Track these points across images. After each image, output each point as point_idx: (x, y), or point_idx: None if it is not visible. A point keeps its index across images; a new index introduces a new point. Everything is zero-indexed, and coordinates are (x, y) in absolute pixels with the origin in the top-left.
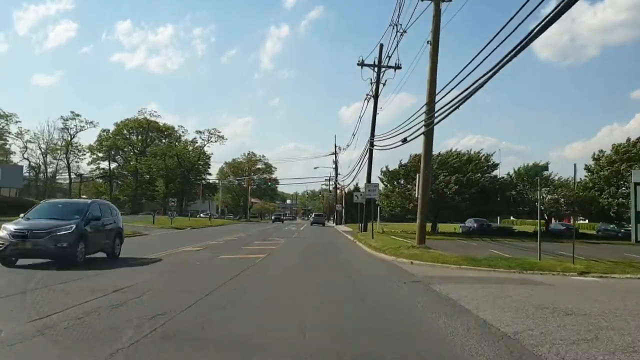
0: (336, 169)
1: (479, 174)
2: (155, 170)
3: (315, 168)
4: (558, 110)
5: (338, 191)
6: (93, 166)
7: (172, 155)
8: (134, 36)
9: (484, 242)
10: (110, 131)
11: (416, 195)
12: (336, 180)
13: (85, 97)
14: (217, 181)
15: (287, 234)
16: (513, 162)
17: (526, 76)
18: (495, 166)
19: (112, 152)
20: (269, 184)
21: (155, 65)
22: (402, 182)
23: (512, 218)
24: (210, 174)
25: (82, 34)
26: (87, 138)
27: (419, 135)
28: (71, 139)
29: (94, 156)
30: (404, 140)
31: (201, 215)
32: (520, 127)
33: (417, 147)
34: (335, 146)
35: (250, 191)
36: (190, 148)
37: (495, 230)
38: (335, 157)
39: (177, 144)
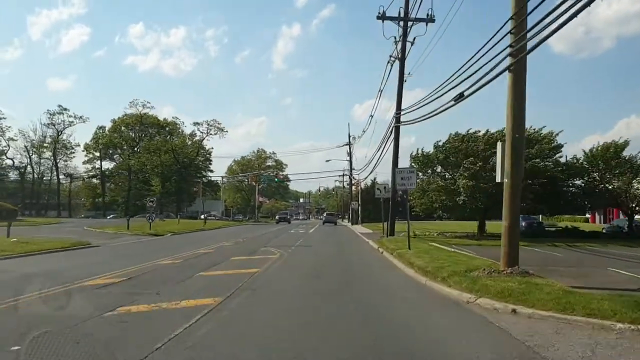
0: (350, 161)
1: (548, 161)
2: (150, 167)
3: (327, 161)
4: (574, 103)
5: (353, 187)
6: (89, 166)
7: (168, 150)
8: (147, 39)
9: (571, 252)
10: (107, 128)
11: (499, 180)
12: (351, 175)
13: (99, 100)
14: (219, 179)
15: (290, 240)
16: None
17: (541, 69)
18: (559, 148)
19: (110, 151)
20: (277, 179)
21: (169, 67)
22: (438, 170)
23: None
24: (211, 171)
25: (95, 37)
26: (83, 136)
27: (498, 75)
28: (58, 135)
29: (90, 155)
30: (461, 96)
31: (203, 217)
32: (536, 120)
33: (441, 131)
34: (349, 136)
35: (260, 189)
36: (189, 142)
37: (557, 231)
38: (350, 148)
39: (173, 138)
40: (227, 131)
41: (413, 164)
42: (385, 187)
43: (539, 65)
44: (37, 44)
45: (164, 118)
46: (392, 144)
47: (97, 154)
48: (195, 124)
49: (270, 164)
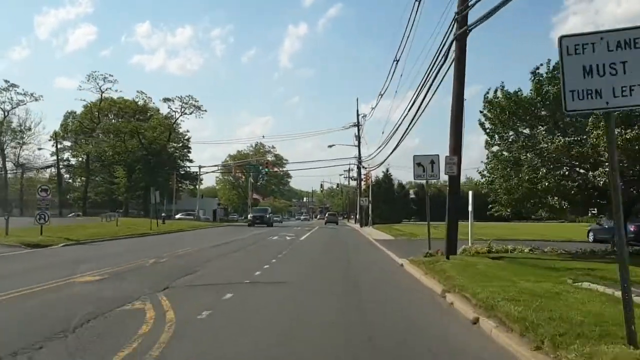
0: (359, 146)
1: None
2: (112, 154)
3: (329, 146)
4: None
5: (362, 180)
6: (72, 160)
7: (130, 131)
8: (153, 38)
9: None
10: (78, 113)
11: None
12: (360, 163)
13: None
14: (208, 170)
15: (248, 263)
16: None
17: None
18: None
19: (83, 140)
20: (266, 169)
21: (175, 66)
22: (543, 128)
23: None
24: (190, 160)
25: (101, 36)
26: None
27: None
28: (5, 116)
29: (61, 145)
30: None
31: (178, 216)
32: None
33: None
34: (358, 115)
35: (258, 186)
36: (158, 124)
37: None
38: (359, 130)
39: (136, 119)
40: (205, 110)
41: (485, 117)
42: (425, 171)
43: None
44: (45, 43)
45: (143, 102)
46: (455, 80)
47: (68, 143)
48: (166, 100)
49: (270, 158)
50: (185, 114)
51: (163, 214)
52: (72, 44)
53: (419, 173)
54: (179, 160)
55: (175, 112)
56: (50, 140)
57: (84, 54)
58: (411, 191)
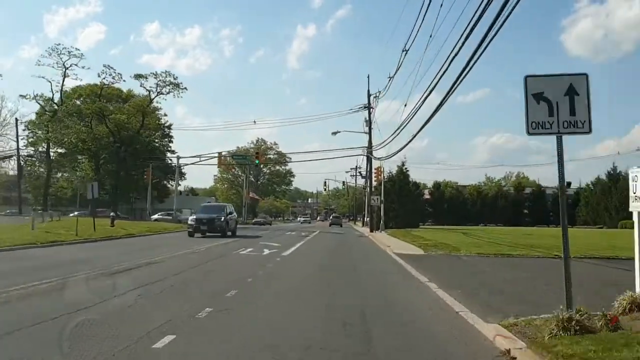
0: (370, 132)
1: None
2: (75, 143)
3: (334, 133)
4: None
5: (373, 174)
6: (32, 149)
7: (94, 114)
8: (162, 37)
9: None
10: (56, 101)
11: None
12: (370, 152)
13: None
14: (173, 159)
15: None
16: (540, 161)
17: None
18: None
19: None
20: (257, 162)
21: (184, 66)
22: None
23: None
24: (172, 151)
25: (110, 36)
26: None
27: None
28: None
29: (38, 136)
30: None
31: (155, 217)
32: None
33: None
34: (369, 95)
35: (259, 186)
36: (131, 107)
37: None
38: (369, 112)
39: (101, 99)
40: (185, 88)
41: None
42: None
43: (555, 67)
44: (54, 41)
45: (128, 89)
46: None
47: (41, 133)
48: (138, 76)
49: (271, 156)
50: (162, 93)
51: (112, 214)
52: (81, 42)
53: (540, 119)
54: (158, 152)
55: (150, 91)
56: (25, 130)
57: (93, 53)
58: (425, 191)
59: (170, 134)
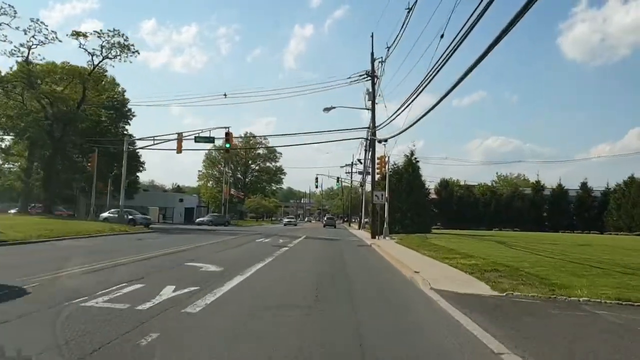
0: (373, 106)
1: None
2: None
3: (326, 110)
4: (584, 111)
5: (377, 164)
6: None
7: (21, 82)
8: (159, 35)
9: None
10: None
11: None
12: (374, 132)
13: None
14: (137, 143)
15: None
16: (537, 165)
17: (552, 76)
18: None
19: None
20: (227, 145)
21: (180, 64)
22: None
23: None
24: (129, 135)
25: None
26: None
27: None
28: None
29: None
30: None
31: (105, 215)
32: (545, 128)
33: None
34: (373, 61)
35: (247, 184)
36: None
37: None
38: (373, 84)
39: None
40: (137, 51)
41: None
42: None
43: (550, 71)
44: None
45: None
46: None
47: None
48: (76, 34)
49: (261, 152)
50: (109, 57)
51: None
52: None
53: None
54: (110, 134)
55: (93, 54)
56: None
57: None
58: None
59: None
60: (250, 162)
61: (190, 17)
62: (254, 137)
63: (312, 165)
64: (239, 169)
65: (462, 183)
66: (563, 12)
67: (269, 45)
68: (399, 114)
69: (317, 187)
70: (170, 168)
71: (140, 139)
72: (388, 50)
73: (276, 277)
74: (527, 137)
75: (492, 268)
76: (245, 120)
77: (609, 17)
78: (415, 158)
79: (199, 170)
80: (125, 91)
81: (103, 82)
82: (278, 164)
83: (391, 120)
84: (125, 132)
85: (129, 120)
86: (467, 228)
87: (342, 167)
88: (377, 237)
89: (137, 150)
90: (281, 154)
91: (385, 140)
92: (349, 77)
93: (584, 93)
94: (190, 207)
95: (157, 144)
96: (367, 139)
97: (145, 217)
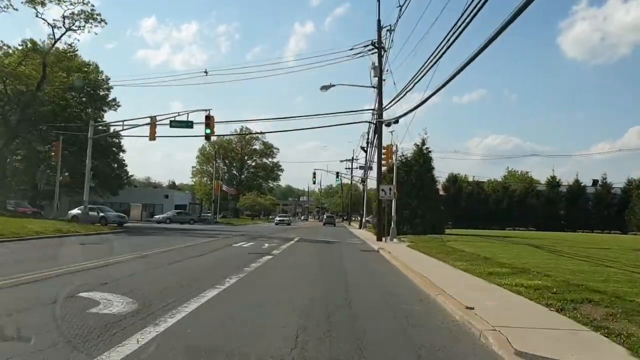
0: (380, 83)
1: None
2: None
3: (324, 88)
4: (584, 110)
5: (383, 152)
6: None
7: None
8: (159, 33)
9: None
10: None
11: None
12: (380, 112)
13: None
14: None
15: None
16: (536, 163)
17: (552, 75)
18: None
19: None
20: (207, 131)
21: (179, 62)
22: None
23: None
24: (94, 120)
25: (106, 30)
26: None
27: None
28: None
29: None
30: None
31: (74, 212)
32: (545, 126)
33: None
34: (380, 29)
35: (243, 180)
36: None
37: None
38: (379, 57)
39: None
40: (104, 20)
41: None
42: None
43: (550, 69)
44: (48, 37)
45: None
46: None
47: None
48: (30, 2)
49: (257, 147)
50: (72, 29)
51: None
52: (76, 37)
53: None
54: (78, 121)
55: (54, 27)
56: None
57: (89, 47)
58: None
59: (116, 103)
60: (246, 157)
61: (190, 15)
62: (250, 130)
63: (312, 159)
64: (234, 165)
65: (470, 179)
66: (563, 11)
67: (269, 43)
68: (411, 87)
69: (314, 182)
70: (169, 166)
71: (107, 125)
72: (400, 9)
73: (224, 319)
74: (527, 135)
75: (579, 296)
76: (245, 116)
77: (609, 16)
78: (427, 148)
79: (193, 167)
80: (109, 79)
81: (71, 62)
82: (275, 160)
83: (401, 97)
84: (98, 120)
85: (110, 109)
86: (478, 227)
87: (342, 161)
88: (383, 238)
89: (120, 142)
90: (278, 149)
91: (396, 121)
92: (352, 49)
93: (583, 92)
94: (181, 204)
95: (126, 129)
96: (371, 122)
97: (118, 214)
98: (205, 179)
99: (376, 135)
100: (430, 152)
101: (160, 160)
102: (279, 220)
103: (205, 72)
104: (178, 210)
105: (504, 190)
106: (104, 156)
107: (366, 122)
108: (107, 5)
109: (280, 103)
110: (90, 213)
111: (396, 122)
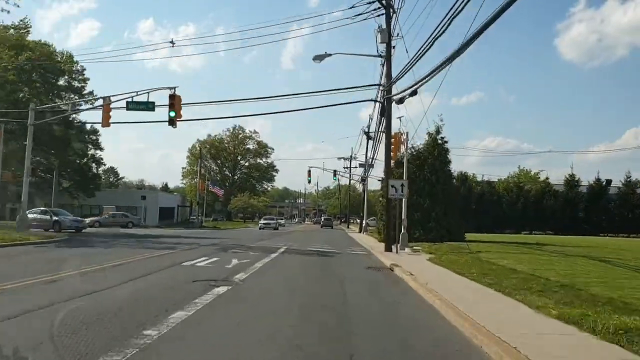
0: (388, 52)
1: None
2: None
3: (317, 58)
4: (582, 111)
5: (394, 139)
6: None
7: None
8: (156, 35)
9: None
10: None
11: None
12: (388, 88)
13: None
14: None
15: None
16: (534, 165)
17: (550, 77)
18: None
19: None
20: (172, 113)
21: (177, 64)
22: None
23: None
24: (34, 103)
25: (104, 32)
26: None
27: None
28: None
29: None
30: None
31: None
32: (543, 128)
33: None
34: None
35: (236, 181)
36: None
37: None
38: (388, 16)
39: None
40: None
41: None
42: None
43: (548, 72)
44: (46, 37)
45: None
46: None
47: None
48: None
49: (251, 146)
50: None
51: None
52: (74, 38)
53: None
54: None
55: None
56: None
57: (86, 50)
58: None
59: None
60: (239, 157)
61: (187, 17)
62: (243, 130)
63: (309, 159)
64: (226, 165)
65: (482, 179)
66: (561, 13)
67: (266, 45)
68: (425, 51)
69: (309, 182)
70: (167, 167)
71: (55, 109)
72: None
73: None
74: (524, 137)
75: None
76: (242, 119)
77: (607, 18)
78: (443, 137)
79: (183, 168)
80: (85, 69)
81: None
82: (269, 160)
83: (414, 64)
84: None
85: (88, 103)
86: (491, 231)
87: (339, 159)
88: (394, 247)
89: (98, 139)
90: (273, 149)
91: (412, 93)
92: (353, 6)
93: (581, 93)
94: (168, 206)
95: (73, 113)
96: (377, 100)
97: (75, 219)
98: (196, 180)
99: (382, 119)
100: (446, 142)
101: (157, 161)
102: (264, 224)
103: (171, 42)
104: (113, 213)
105: (518, 190)
106: (79, 155)
107: (371, 100)
108: (105, 7)
109: (277, 103)
110: (42, 217)
111: (413, 94)
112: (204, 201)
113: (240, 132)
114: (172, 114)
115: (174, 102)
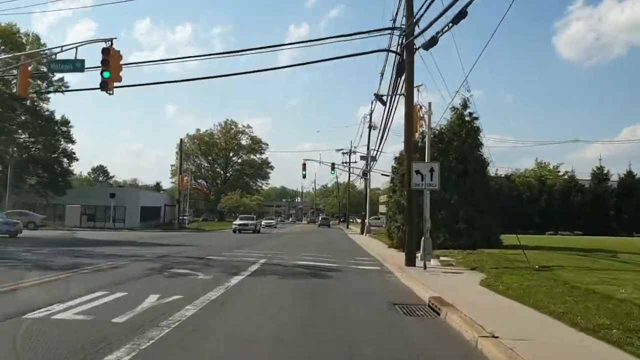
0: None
1: None
2: None
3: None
4: (579, 110)
5: (415, 115)
6: None
7: None
8: (153, 35)
9: None
10: None
11: None
12: (409, 29)
13: (104, 97)
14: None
15: None
16: (531, 163)
17: (548, 76)
18: None
19: None
20: (106, 91)
21: (174, 65)
22: None
23: None
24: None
25: (100, 33)
26: None
27: None
28: None
29: None
30: None
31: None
32: (540, 127)
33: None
34: None
35: (228, 178)
36: None
37: None
38: None
39: None
40: None
41: None
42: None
43: (546, 71)
44: (43, 38)
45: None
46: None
47: None
48: None
49: (244, 142)
50: None
51: None
52: (71, 39)
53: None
54: None
55: None
56: None
57: (82, 50)
58: None
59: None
60: (231, 154)
61: (184, 17)
62: (236, 125)
63: (306, 151)
64: (218, 162)
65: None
66: (559, 11)
67: (264, 45)
68: None
69: (304, 176)
70: (164, 167)
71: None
72: None
73: None
74: (521, 135)
75: None
76: (240, 119)
77: (604, 16)
78: (472, 113)
79: (172, 165)
80: (55, 54)
81: None
82: (264, 157)
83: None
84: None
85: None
86: (511, 231)
87: (337, 150)
88: (416, 259)
89: (69, 131)
90: (267, 144)
91: (435, 41)
92: None
93: (579, 92)
94: (153, 206)
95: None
96: (392, 51)
97: (6, 222)
98: (186, 178)
99: (399, 78)
100: (476, 118)
101: (155, 161)
102: (239, 225)
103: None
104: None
105: (541, 186)
106: (47, 148)
107: (384, 50)
108: (101, 8)
109: (274, 102)
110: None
111: (436, 42)
112: (186, 199)
113: (232, 126)
114: (107, 74)
115: (109, 59)
